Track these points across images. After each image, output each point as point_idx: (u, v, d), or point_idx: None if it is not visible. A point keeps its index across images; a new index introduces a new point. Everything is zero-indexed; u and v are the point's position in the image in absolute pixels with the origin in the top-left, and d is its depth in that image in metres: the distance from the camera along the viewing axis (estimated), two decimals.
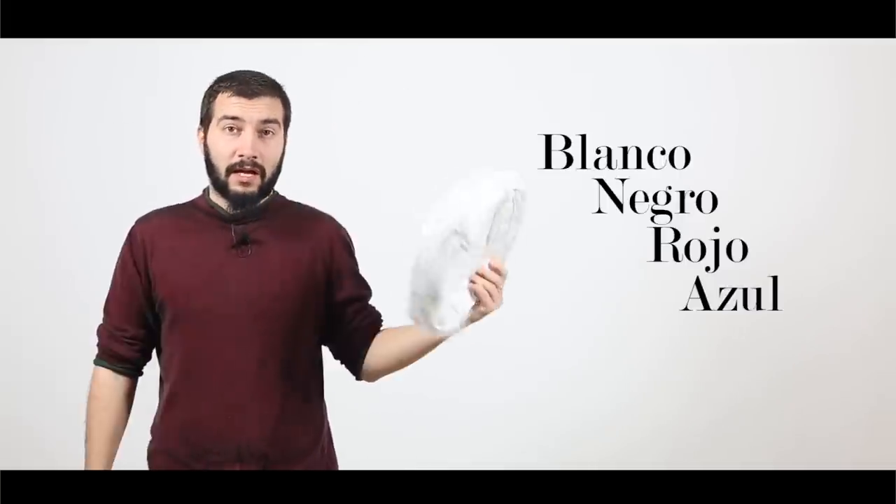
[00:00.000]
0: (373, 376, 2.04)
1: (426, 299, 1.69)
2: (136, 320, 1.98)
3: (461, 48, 3.05)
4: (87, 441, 2.01)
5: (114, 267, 2.01)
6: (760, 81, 3.09)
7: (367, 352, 2.01)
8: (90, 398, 2.01)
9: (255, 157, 1.88)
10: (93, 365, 2.02)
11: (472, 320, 1.77)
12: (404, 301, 1.71)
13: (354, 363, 2.04)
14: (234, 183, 1.89)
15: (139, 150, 3.11)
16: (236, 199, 1.91)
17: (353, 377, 2.07)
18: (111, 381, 2.00)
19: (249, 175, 1.88)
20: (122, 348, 1.99)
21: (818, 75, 3.09)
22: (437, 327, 1.72)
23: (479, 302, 1.74)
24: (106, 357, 2.00)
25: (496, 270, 1.75)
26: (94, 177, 3.12)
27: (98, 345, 2.02)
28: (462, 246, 1.68)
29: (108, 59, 3.09)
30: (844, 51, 3.03)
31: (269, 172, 1.92)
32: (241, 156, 1.87)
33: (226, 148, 1.88)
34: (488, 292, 1.74)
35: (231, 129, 1.88)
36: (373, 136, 3.11)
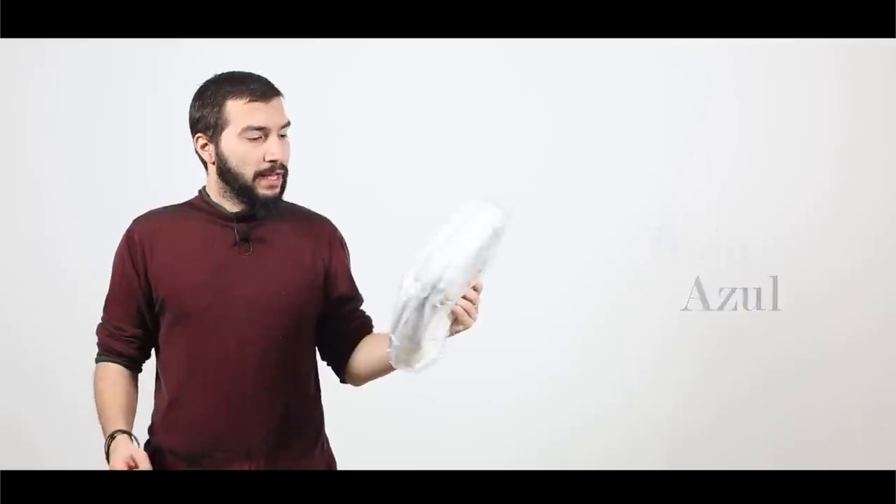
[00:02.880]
0: (357, 380, 2.06)
1: (407, 349, 1.76)
2: (134, 320, 1.98)
3: (461, 48, 3.05)
4: (101, 416, 1.96)
5: (111, 272, 2.01)
6: (760, 81, 3.09)
7: (355, 354, 2.03)
8: (97, 382, 1.99)
9: (282, 161, 1.92)
10: (94, 364, 2.02)
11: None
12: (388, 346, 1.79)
13: (339, 365, 2.07)
14: (263, 187, 1.91)
15: (139, 150, 3.11)
16: (267, 202, 1.93)
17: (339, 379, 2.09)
18: (116, 367, 1.99)
19: (278, 178, 1.92)
20: (122, 346, 1.99)
21: (818, 75, 3.09)
22: (417, 366, 1.78)
23: (456, 321, 1.80)
24: (107, 353, 2.00)
25: (474, 288, 1.80)
26: (95, 177, 3.12)
27: (98, 343, 2.02)
28: (441, 303, 1.72)
29: (109, 59, 3.09)
30: (844, 51, 3.02)
31: (287, 172, 1.95)
32: (271, 161, 1.90)
33: (252, 154, 1.90)
34: (466, 311, 1.79)
35: (257, 137, 1.90)
36: (372, 136, 3.11)
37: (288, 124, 1.94)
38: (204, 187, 2.00)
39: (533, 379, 3.12)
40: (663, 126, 3.10)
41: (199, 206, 1.99)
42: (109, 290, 2.01)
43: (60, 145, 3.14)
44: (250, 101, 1.89)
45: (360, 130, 3.11)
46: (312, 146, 3.00)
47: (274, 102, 1.91)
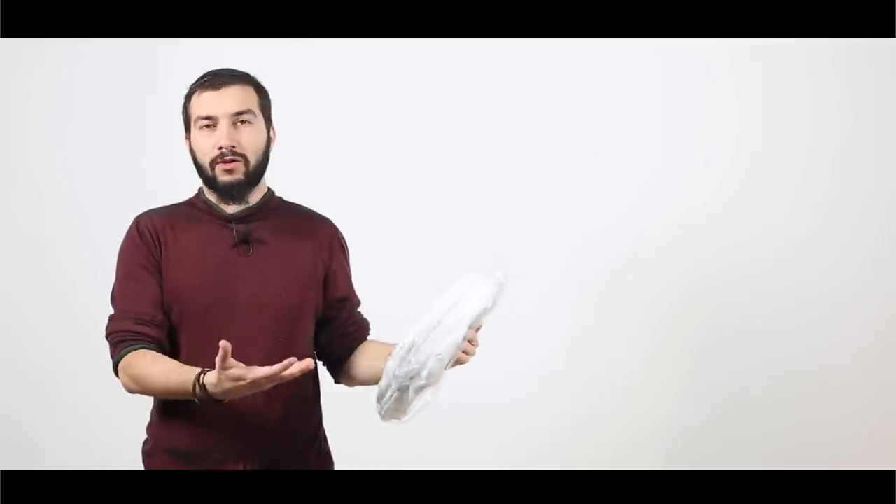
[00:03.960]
0: (351, 383, 2.07)
1: (394, 412, 1.84)
2: (160, 307, 1.91)
3: (460, 48, 3.04)
4: (171, 380, 1.79)
5: (120, 265, 1.95)
6: (760, 81, 3.09)
7: (349, 359, 2.05)
8: (140, 364, 1.83)
9: (233, 146, 1.91)
10: (116, 364, 1.89)
11: None
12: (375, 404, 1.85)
13: (335, 367, 2.08)
14: (220, 173, 1.93)
15: (139, 150, 3.11)
16: (225, 189, 1.93)
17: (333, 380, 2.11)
18: (151, 351, 1.86)
19: (231, 164, 1.91)
20: (155, 332, 1.89)
21: (818, 75, 3.08)
22: (405, 418, 1.84)
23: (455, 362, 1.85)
24: (135, 342, 1.87)
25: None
26: (95, 177, 3.12)
27: (122, 338, 1.88)
28: (422, 386, 1.79)
29: (109, 59, 3.09)
30: (844, 51, 3.02)
31: (252, 160, 1.94)
32: (220, 148, 1.91)
33: (206, 143, 1.92)
34: (465, 351, 1.84)
35: (208, 126, 1.92)
36: (372, 136, 3.11)
37: (244, 111, 1.92)
38: (201, 187, 2.01)
39: (531, 378, 3.11)
40: (663, 126, 3.10)
41: (199, 205, 1.99)
42: (125, 282, 1.93)
43: (60, 145, 3.13)
44: (201, 92, 1.93)
45: (361, 130, 3.11)
46: (311, 147, 3.02)
47: (226, 91, 1.92)
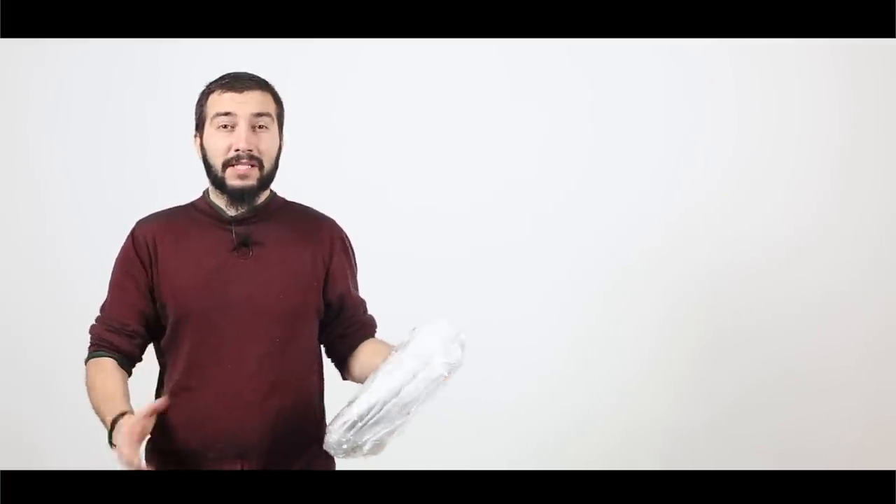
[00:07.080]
0: (359, 381, 2.05)
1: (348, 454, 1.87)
2: (138, 318, 1.95)
3: (463, 48, 3.05)
4: (103, 404, 1.87)
5: (113, 271, 2.00)
6: (760, 82, 3.09)
7: (353, 358, 2.04)
8: (93, 375, 1.91)
9: (250, 150, 1.90)
10: (85, 363, 1.96)
11: None
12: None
13: (342, 364, 2.09)
14: (232, 177, 1.91)
15: (141, 151, 3.11)
16: (234, 194, 1.92)
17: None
18: (113, 362, 1.92)
19: (247, 168, 1.90)
20: (122, 341, 1.94)
21: (818, 75, 3.08)
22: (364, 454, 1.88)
23: None
24: (103, 349, 1.94)
25: None
26: (96, 177, 3.12)
27: (93, 341, 1.97)
28: (365, 455, 1.85)
29: (110, 60, 3.10)
30: (844, 51, 3.02)
31: (266, 166, 1.94)
32: (236, 150, 1.89)
33: (221, 144, 1.90)
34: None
35: (225, 125, 1.90)
36: (376, 136, 3.11)
37: (264, 114, 1.91)
38: (207, 189, 2.00)
39: (531, 378, 3.11)
40: (662, 126, 3.10)
41: (202, 207, 1.99)
42: (112, 289, 1.98)
43: (61, 145, 3.14)
44: (222, 91, 1.91)
45: (362, 130, 3.11)
46: (313, 147, 3.02)
47: (249, 94, 1.91)
